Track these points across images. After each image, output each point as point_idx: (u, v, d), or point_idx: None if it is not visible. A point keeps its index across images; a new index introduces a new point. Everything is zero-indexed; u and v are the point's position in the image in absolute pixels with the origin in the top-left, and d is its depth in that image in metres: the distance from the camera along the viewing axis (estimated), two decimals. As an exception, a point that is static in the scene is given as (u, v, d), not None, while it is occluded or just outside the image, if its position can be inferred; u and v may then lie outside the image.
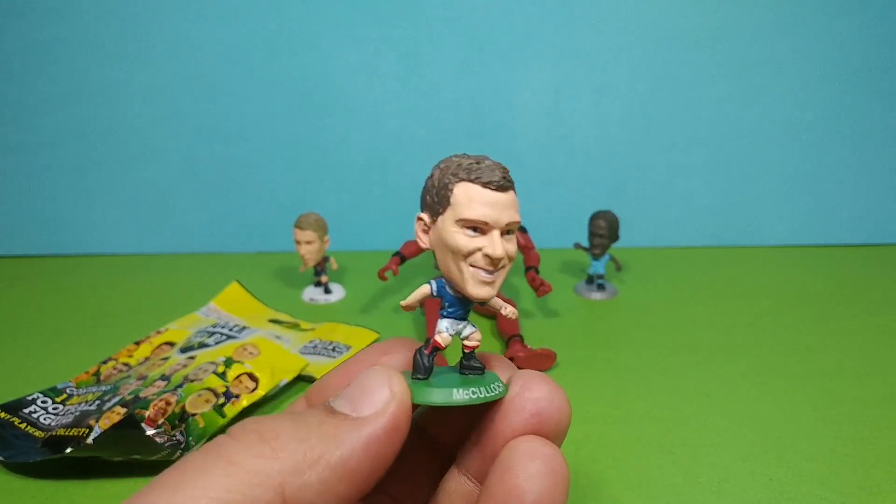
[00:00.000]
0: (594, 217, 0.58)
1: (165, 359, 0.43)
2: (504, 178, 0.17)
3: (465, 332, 0.19)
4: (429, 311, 0.50)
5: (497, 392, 0.17)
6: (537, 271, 0.52)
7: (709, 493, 0.32)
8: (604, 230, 0.57)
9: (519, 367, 0.45)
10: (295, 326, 0.51)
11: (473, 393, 0.17)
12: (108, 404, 0.37)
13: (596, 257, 0.59)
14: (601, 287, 0.60)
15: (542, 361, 0.44)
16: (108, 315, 0.56)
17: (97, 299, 0.59)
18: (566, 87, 0.70)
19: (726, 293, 0.60)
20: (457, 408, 0.17)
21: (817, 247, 0.75)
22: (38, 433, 0.36)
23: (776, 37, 0.69)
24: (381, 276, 0.51)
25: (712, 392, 0.42)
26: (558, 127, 0.71)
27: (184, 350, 0.44)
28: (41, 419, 0.38)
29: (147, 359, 0.45)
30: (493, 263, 0.17)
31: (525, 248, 0.53)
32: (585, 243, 0.60)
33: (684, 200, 0.74)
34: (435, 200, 0.18)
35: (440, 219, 0.18)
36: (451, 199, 0.17)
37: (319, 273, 0.59)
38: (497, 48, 0.68)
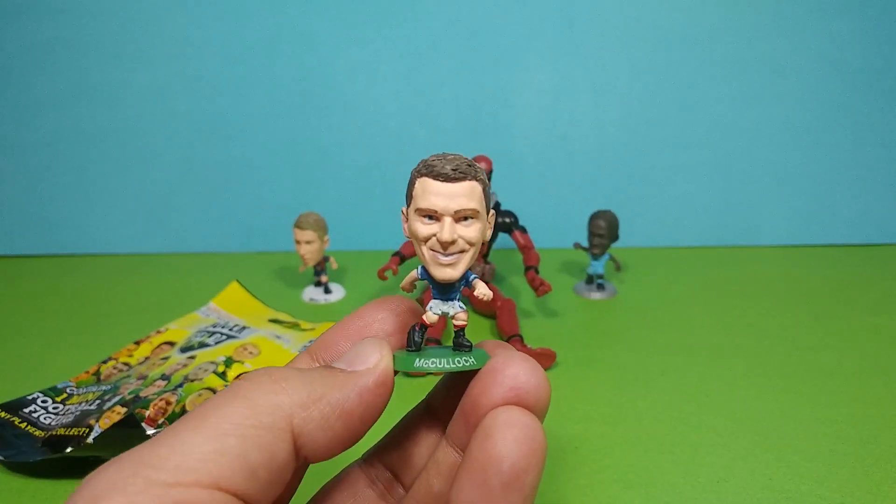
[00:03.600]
0: (594, 217, 0.58)
1: (165, 358, 0.43)
2: (455, 170, 0.19)
3: (452, 312, 0.20)
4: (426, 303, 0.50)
5: (468, 364, 0.19)
6: (537, 271, 0.52)
7: (708, 493, 0.32)
8: (603, 230, 0.57)
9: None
10: (295, 326, 0.51)
11: (442, 363, 0.19)
12: (109, 404, 0.37)
13: (595, 257, 0.59)
14: (601, 287, 0.60)
15: (542, 361, 0.44)
16: (108, 315, 0.56)
17: (97, 299, 0.59)
18: (566, 87, 0.70)
19: (726, 293, 0.60)
20: (453, 385, 0.20)
21: (817, 247, 0.75)
22: (38, 432, 0.36)
23: (776, 37, 0.69)
24: (381, 276, 0.51)
25: (712, 392, 0.42)
26: (558, 127, 0.71)
27: (184, 349, 0.44)
28: (41, 419, 0.38)
29: (147, 358, 0.45)
30: (445, 247, 0.19)
31: (525, 247, 0.53)
32: (585, 243, 0.60)
33: (684, 200, 0.74)
34: (407, 195, 0.20)
35: (408, 210, 0.20)
36: (413, 193, 0.20)
37: (319, 273, 0.59)
38: (497, 48, 0.68)
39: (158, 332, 0.49)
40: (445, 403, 0.21)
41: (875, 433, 0.37)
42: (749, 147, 0.73)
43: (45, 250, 0.74)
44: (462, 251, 0.20)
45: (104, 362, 0.45)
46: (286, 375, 0.17)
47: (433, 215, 0.19)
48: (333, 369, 0.18)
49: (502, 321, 0.49)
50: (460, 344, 0.20)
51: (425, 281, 0.21)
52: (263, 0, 0.66)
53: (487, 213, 0.20)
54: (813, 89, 0.71)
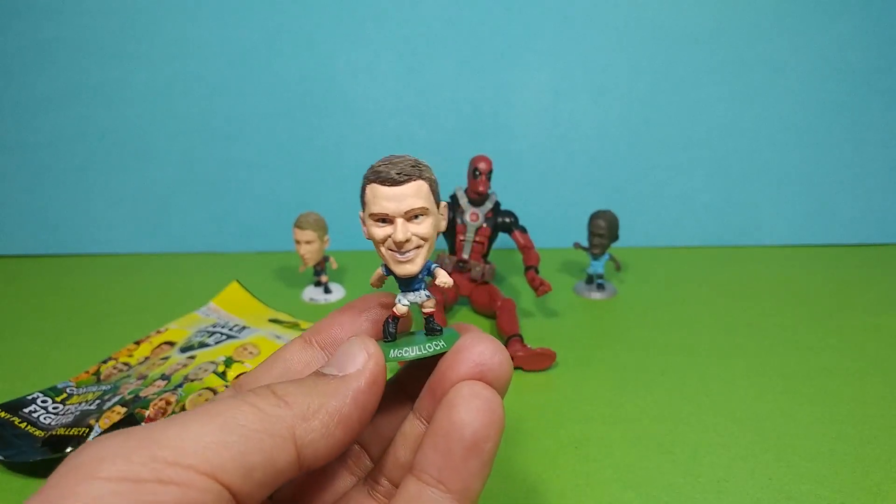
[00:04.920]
0: (594, 217, 0.58)
1: (165, 358, 0.43)
2: (400, 173, 0.20)
3: (420, 301, 0.22)
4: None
5: (438, 348, 0.21)
6: (537, 271, 0.52)
7: (708, 493, 0.32)
8: (603, 230, 0.57)
9: (519, 367, 0.45)
10: (295, 326, 0.51)
11: (415, 350, 0.21)
12: (108, 404, 0.37)
13: (595, 257, 0.59)
14: (601, 287, 0.60)
15: (542, 361, 0.44)
16: (108, 315, 0.56)
17: (97, 299, 0.59)
18: (566, 87, 0.70)
19: (726, 293, 0.60)
20: (423, 363, 0.21)
21: (817, 247, 0.75)
22: (38, 432, 0.36)
23: (776, 37, 0.69)
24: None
25: (712, 392, 0.42)
26: (558, 127, 0.71)
27: (184, 349, 0.44)
28: (41, 418, 0.38)
29: (147, 358, 0.45)
30: (400, 246, 0.21)
31: (525, 247, 0.53)
32: (585, 243, 0.60)
33: (684, 200, 0.74)
34: (361, 201, 0.22)
35: (363, 215, 0.22)
36: (365, 199, 0.21)
37: (319, 273, 0.59)
38: (497, 48, 0.68)
39: (158, 332, 0.49)
40: (414, 379, 0.23)
41: (875, 433, 0.37)
42: (749, 147, 0.73)
43: (45, 250, 0.74)
44: (418, 247, 0.21)
45: (104, 362, 0.45)
46: (287, 390, 0.18)
47: (386, 218, 0.21)
48: (326, 376, 0.19)
49: (502, 321, 0.49)
50: (431, 329, 0.22)
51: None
52: (263, 0, 0.66)
53: (438, 207, 0.22)
54: (813, 89, 0.71)
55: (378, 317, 0.23)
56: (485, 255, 0.55)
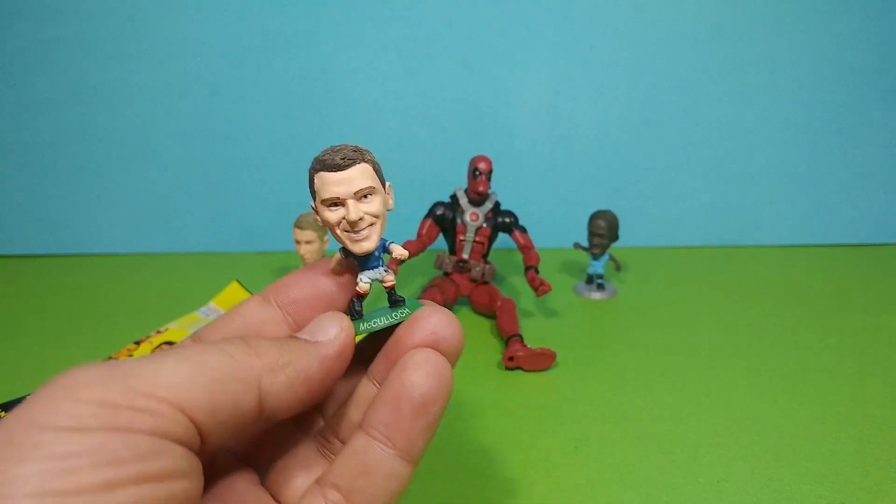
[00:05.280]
0: (594, 217, 0.58)
1: (165, 358, 0.43)
2: (344, 158, 0.22)
3: (380, 277, 0.23)
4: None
5: (403, 315, 0.22)
6: (537, 271, 0.52)
7: (708, 493, 0.32)
8: (603, 230, 0.57)
9: (519, 367, 0.45)
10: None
11: (383, 321, 0.23)
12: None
13: (595, 257, 0.59)
14: (601, 287, 0.60)
15: (542, 360, 0.44)
16: (108, 315, 0.56)
17: (97, 299, 0.59)
18: (566, 87, 0.70)
19: (726, 293, 0.60)
20: (380, 332, 0.23)
21: (817, 247, 0.75)
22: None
23: (775, 36, 0.69)
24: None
25: (712, 392, 0.42)
26: (558, 127, 0.71)
27: (184, 350, 0.44)
28: (41, 419, 0.38)
29: (147, 358, 0.45)
30: (354, 225, 0.22)
31: (525, 247, 0.53)
32: (585, 243, 0.60)
33: (684, 200, 0.74)
34: (311, 191, 0.23)
35: (315, 204, 0.23)
36: (315, 188, 0.22)
37: (319, 273, 0.59)
38: (497, 48, 0.68)
39: (158, 332, 0.49)
40: (370, 345, 0.24)
41: (875, 433, 0.37)
42: (749, 147, 0.73)
43: (45, 250, 0.73)
44: (371, 224, 0.22)
45: (104, 362, 0.45)
46: (259, 343, 0.19)
47: (337, 202, 0.22)
48: (299, 339, 0.20)
49: (502, 321, 0.49)
50: (395, 301, 0.23)
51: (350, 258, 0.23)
52: (263, 0, 0.66)
53: (384, 187, 0.23)
54: (813, 89, 0.71)
55: (334, 280, 0.24)
56: (485, 255, 0.55)
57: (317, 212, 0.23)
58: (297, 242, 0.56)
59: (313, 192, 0.23)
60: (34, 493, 0.14)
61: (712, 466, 0.34)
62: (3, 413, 0.37)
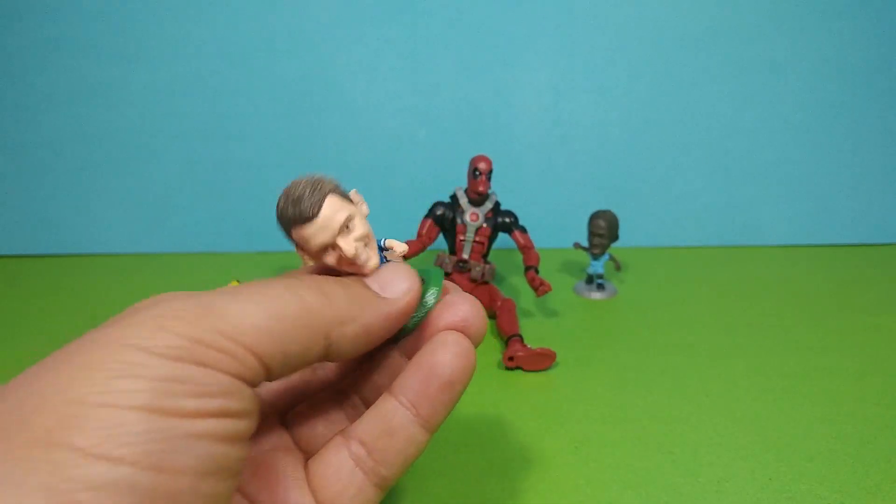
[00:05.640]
0: (594, 217, 0.58)
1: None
2: (311, 206, 0.21)
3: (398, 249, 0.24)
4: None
5: (434, 297, 0.24)
6: (537, 271, 0.52)
7: (709, 493, 0.32)
8: (603, 230, 0.57)
9: (519, 367, 0.45)
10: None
11: (428, 299, 0.23)
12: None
13: (595, 257, 0.59)
14: (601, 287, 0.60)
15: (542, 361, 0.44)
16: (108, 315, 0.55)
17: (97, 299, 0.59)
18: (566, 87, 0.70)
19: (726, 293, 0.60)
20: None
21: (817, 247, 0.75)
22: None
23: (775, 37, 0.69)
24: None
25: (712, 392, 0.42)
26: (558, 127, 0.71)
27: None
28: (41, 419, 0.37)
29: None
30: (353, 259, 0.22)
31: (525, 247, 0.53)
32: (585, 243, 0.60)
33: (684, 200, 0.74)
34: (293, 244, 0.23)
35: (304, 254, 0.23)
36: (297, 242, 0.22)
37: (319, 273, 0.59)
38: (497, 48, 0.68)
39: (158, 332, 0.49)
40: None
41: (875, 433, 0.37)
42: (749, 147, 0.73)
43: (45, 250, 0.73)
44: (366, 245, 0.22)
45: (104, 362, 0.45)
46: (333, 290, 0.20)
47: (327, 246, 0.22)
48: (368, 290, 0.22)
49: (502, 321, 0.49)
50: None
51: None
52: (263, 0, 0.66)
53: (354, 202, 0.23)
54: (813, 89, 0.71)
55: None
56: (485, 255, 0.55)
57: (307, 258, 0.23)
58: (297, 242, 0.56)
59: (294, 244, 0.23)
60: (144, 407, 0.15)
61: (712, 466, 0.34)
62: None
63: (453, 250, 0.55)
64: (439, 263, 0.55)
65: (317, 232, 0.21)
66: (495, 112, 0.70)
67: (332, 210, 0.21)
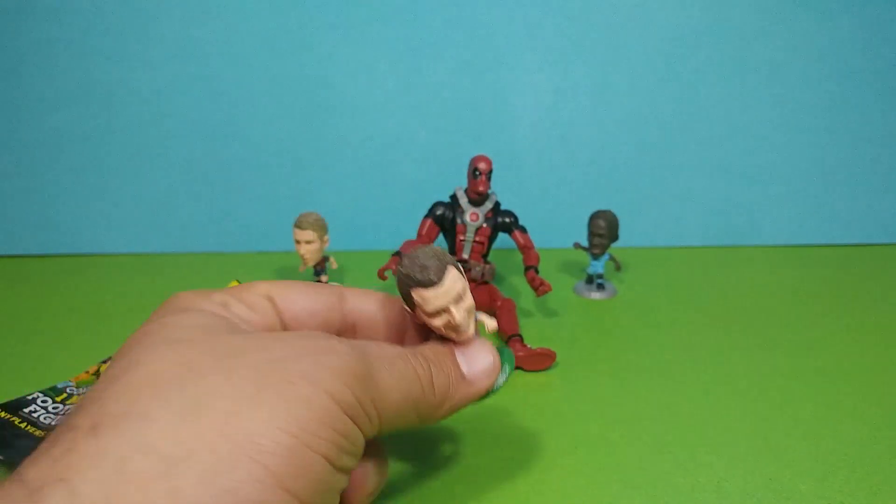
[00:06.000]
0: (594, 217, 0.58)
1: (165, 358, 0.43)
2: (436, 272, 0.25)
3: (500, 382, 0.28)
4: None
5: (508, 375, 0.28)
6: (537, 271, 0.52)
7: (709, 493, 0.32)
8: (603, 230, 0.57)
9: (519, 367, 0.45)
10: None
11: (500, 381, 0.28)
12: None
13: (595, 257, 0.59)
14: (601, 287, 0.60)
15: (542, 361, 0.44)
16: (108, 315, 0.56)
17: (97, 299, 0.59)
18: (566, 87, 0.70)
19: (726, 293, 0.60)
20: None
21: (817, 247, 0.75)
22: (38, 432, 0.36)
23: (776, 37, 0.69)
24: (381, 276, 0.51)
25: (712, 392, 0.42)
26: (558, 127, 0.71)
27: (184, 350, 0.44)
28: (41, 418, 0.38)
29: (147, 358, 0.45)
30: (457, 326, 0.25)
31: (525, 247, 0.53)
32: (585, 243, 0.60)
33: (684, 200, 0.74)
34: (408, 301, 0.26)
35: (417, 312, 0.26)
36: (415, 301, 0.25)
37: (319, 273, 0.59)
38: (497, 48, 0.68)
39: (158, 332, 0.49)
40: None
41: (875, 433, 0.37)
42: (749, 147, 0.73)
43: (45, 250, 0.73)
44: (469, 316, 0.26)
45: (104, 362, 0.45)
46: (438, 377, 0.25)
47: (440, 310, 0.25)
48: (458, 369, 0.26)
49: (502, 321, 0.49)
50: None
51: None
52: (263, 0, 0.66)
53: (462, 273, 0.26)
54: (813, 89, 0.71)
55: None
56: (485, 255, 0.55)
57: (416, 316, 0.26)
58: (297, 242, 0.56)
59: (410, 301, 0.26)
60: (325, 456, 0.19)
61: (712, 466, 0.34)
62: (3, 413, 0.37)
63: (453, 250, 0.55)
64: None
65: (437, 296, 0.25)
66: (495, 112, 0.70)
67: (452, 280, 0.25)
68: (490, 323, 0.28)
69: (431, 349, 0.26)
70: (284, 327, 0.26)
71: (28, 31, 0.66)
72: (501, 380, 0.27)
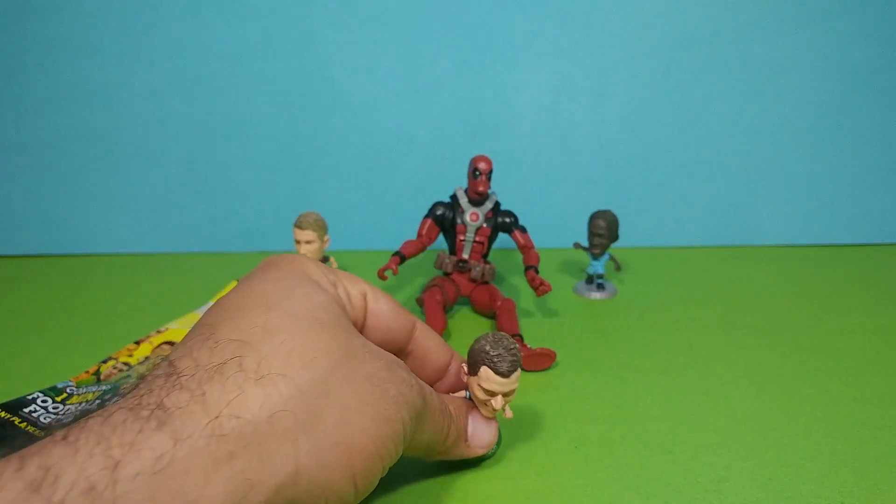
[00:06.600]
0: (594, 217, 0.58)
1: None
2: (511, 366, 0.29)
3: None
4: (428, 307, 0.50)
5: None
6: (537, 271, 0.52)
7: (709, 493, 0.32)
8: (603, 230, 0.57)
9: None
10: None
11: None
12: (109, 403, 0.37)
13: (595, 257, 0.59)
14: (601, 286, 0.60)
15: (542, 361, 0.44)
16: (108, 315, 0.56)
17: (97, 299, 0.59)
18: (566, 87, 0.70)
19: (726, 293, 0.60)
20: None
21: (817, 247, 0.75)
22: (38, 432, 0.36)
23: (775, 37, 0.69)
24: (381, 276, 0.51)
25: (712, 392, 0.42)
26: (558, 127, 0.71)
27: (184, 350, 0.44)
28: (41, 418, 0.38)
29: (147, 358, 0.45)
30: (493, 409, 0.31)
31: (525, 247, 0.53)
32: (585, 243, 0.60)
33: (684, 200, 0.74)
34: (471, 366, 0.31)
35: (472, 378, 0.31)
36: (479, 373, 0.30)
37: (319, 273, 0.59)
38: (497, 48, 0.68)
39: (158, 331, 0.49)
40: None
41: (875, 433, 0.37)
42: (749, 147, 0.73)
43: (45, 250, 0.74)
44: (506, 403, 0.31)
45: (104, 362, 0.45)
46: (451, 432, 0.30)
47: (492, 393, 0.30)
48: (465, 433, 0.32)
49: (502, 321, 0.49)
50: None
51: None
52: (263, 0, 0.66)
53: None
54: (813, 89, 0.71)
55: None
56: (485, 255, 0.55)
57: (471, 384, 0.31)
58: (297, 242, 0.56)
59: (474, 371, 0.30)
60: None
61: (713, 466, 0.34)
62: (3, 413, 0.37)
63: (453, 250, 0.55)
64: (439, 263, 0.55)
65: (501, 384, 0.29)
66: (495, 112, 0.70)
67: (515, 377, 0.30)
68: (508, 412, 0.32)
69: (456, 408, 0.31)
70: (362, 327, 0.30)
71: (28, 31, 0.66)
72: (491, 452, 0.34)
